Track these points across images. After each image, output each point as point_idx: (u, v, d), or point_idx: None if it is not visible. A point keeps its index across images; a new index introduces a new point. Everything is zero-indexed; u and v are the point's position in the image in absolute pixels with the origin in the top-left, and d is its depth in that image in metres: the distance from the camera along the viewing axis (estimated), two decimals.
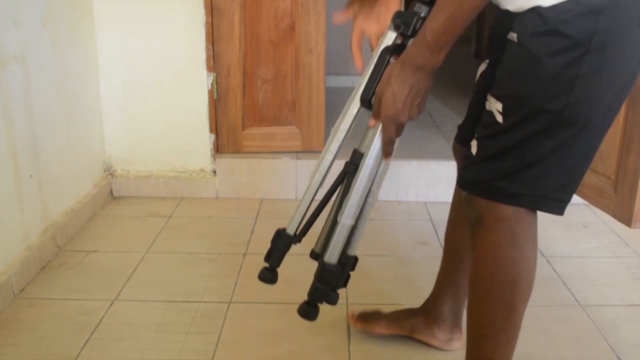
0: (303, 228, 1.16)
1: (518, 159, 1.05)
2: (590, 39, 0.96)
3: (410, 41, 1.06)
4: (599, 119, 1.04)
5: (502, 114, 1.05)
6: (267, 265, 1.17)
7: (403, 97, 1.03)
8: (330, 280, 1.14)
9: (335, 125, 1.15)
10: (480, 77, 1.24)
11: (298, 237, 1.17)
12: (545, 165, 1.05)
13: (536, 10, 0.98)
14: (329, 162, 1.14)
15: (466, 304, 1.23)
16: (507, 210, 1.09)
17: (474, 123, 1.19)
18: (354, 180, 1.10)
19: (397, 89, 1.03)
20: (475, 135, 1.13)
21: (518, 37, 1.01)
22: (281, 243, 1.16)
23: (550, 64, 0.98)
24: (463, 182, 1.15)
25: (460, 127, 1.36)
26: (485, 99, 1.11)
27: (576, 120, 1.01)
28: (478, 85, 1.25)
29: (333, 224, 1.13)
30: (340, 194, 1.13)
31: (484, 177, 1.09)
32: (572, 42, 0.96)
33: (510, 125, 1.04)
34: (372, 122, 1.09)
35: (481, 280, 1.15)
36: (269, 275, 1.16)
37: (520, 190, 1.07)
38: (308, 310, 1.16)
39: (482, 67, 1.23)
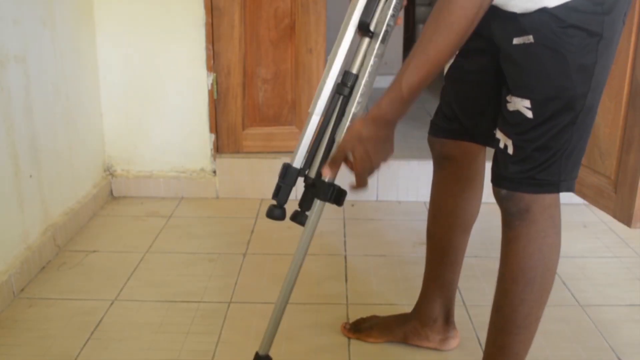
0: (307, 159, 1.17)
1: (556, 150, 1.10)
2: (602, 27, 1.03)
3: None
4: (599, 99, 1.12)
5: (531, 109, 1.09)
6: (274, 202, 1.17)
7: (377, 153, 1.06)
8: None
9: (332, 51, 1.15)
10: (451, 68, 1.29)
11: (304, 170, 1.16)
12: (573, 149, 1.11)
13: (545, 11, 1.02)
14: (330, 90, 1.14)
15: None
16: (550, 198, 1.14)
17: (466, 113, 1.28)
18: (350, 102, 1.12)
19: (371, 147, 1.06)
20: (502, 133, 1.16)
21: (535, 38, 1.04)
22: (289, 178, 1.17)
23: (574, 57, 1.04)
24: (502, 181, 1.16)
25: (433, 121, 1.39)
26: (471, 90, 1.20)
27: (592, 103, 1.09)
28: (450, 76, 1.31)
29: (330, 143, 1.14)
30: (336, 115, 1.14)
31: (527, 173, 1.12)
32: (588, 33, 1.03)
33: (545, 119, 1.08)
34: (326, 171, 1.12)
35: (523, 270, 1.17)
36: (277, 213, 1.16)
37: (560, 178, 1.13)
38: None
39: (450, 59, 1.27)
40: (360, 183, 1.10)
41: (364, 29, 1.11)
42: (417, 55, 1.02)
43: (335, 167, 1.11)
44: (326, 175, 1.12)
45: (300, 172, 1.16)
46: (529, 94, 1.09)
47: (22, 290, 1.78)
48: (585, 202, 2.31)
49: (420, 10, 6.08)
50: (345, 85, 1.13)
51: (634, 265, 2.00)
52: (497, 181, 1.17)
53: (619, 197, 2.01)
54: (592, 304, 1.76)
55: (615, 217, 2.04)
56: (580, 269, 1.96)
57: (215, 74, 2.42)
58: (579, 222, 2.31)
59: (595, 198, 2.13)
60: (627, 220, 1.98)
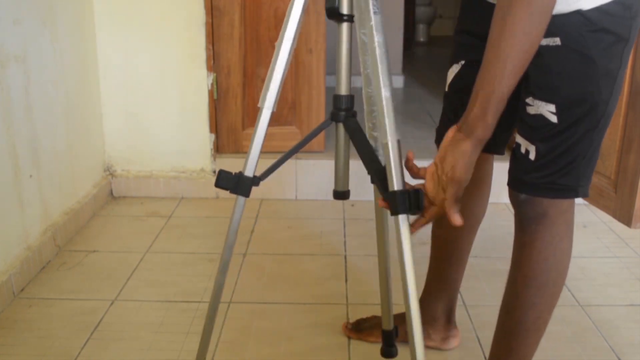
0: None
1: (577, 155, 1.09)
2: (629, 32, 1.02)
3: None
4: (616, 105, 1.10)
5: (557, 114, 1.06)
6: None
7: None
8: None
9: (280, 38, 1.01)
10: (456, 78, 1.26)
11: (258, 178, 0.94)
12: (592, 154, 1.11)
13: (579, 13, 1.00)
14: (279, 82, 1.00)
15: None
16: (567, 203, 1.14)
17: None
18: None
19: (470, 174, 1.00)
20: (524, 138, 1.13)
21: (562, 40, 1.02)
22: (243, 189, 0.98)
23: (602, 61, 1.02)
24: (522, 186, 1.14)
25: (439, 130, 1.36)
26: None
27: (612, 109, 1.07)
28: (455, 86, 1.27)
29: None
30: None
31: (547, 178, 1.11)
32: (617, 38, 1.01)
33: (569, 124, 1.06)
34: (418, 224, 1.03)
35: (536, 274, 1.17)
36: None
37: (579, 183, 1.12)
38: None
39: (455, 68, 1.25)
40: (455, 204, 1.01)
41: (334, 15, 0.98)
42: (511, 55, 0.91)
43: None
44: (415, 230, 1.00)
45: (254, 180, 0.96)
46: (555, 98, 1.06)
47: (22, 290, 1.78)
48: (585, 202, 2.31)
49: (420, 10, 6.08)
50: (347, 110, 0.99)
51: (634, 265, 2.00)
52: (517, 186, 1.15)
53: (619, 197, 2.01)
54: (592, 304, 1.76)
55: (615, 217, 2.04)
56: (580, 269, 1.96)
57: (215, 74, 2.42)
58: (579, 222, 2.31)
59: (595, 198, 2.13)
60: (627, 220, 1.98)
